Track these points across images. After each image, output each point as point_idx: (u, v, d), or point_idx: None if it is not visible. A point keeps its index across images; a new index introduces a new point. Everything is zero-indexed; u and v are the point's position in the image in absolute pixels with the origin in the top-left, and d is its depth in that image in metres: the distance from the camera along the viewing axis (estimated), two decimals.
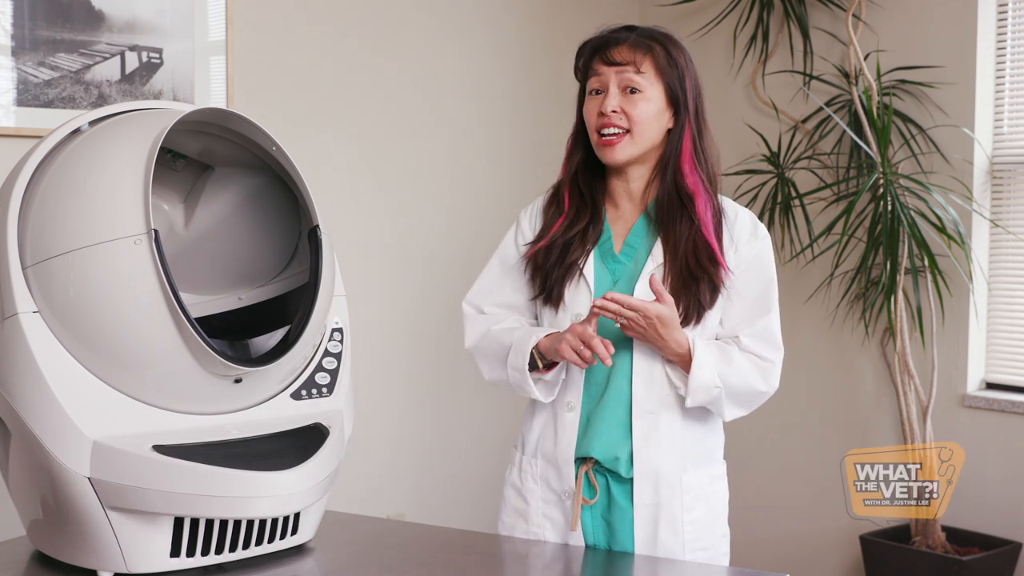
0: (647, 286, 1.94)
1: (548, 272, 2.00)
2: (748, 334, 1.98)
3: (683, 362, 1.93)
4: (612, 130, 1.94)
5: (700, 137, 1.99)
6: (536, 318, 2.08)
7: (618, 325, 1.89)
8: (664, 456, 1.96)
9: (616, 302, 1.85)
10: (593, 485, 1.98)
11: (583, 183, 2.02)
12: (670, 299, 1.88)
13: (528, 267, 2.05)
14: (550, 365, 1.97)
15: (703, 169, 1.99)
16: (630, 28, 2.00)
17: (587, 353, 1.87)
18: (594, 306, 1.86)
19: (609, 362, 1.88)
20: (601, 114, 1.95)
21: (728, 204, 2.02)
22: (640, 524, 1.96)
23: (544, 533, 2.02)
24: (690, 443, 1.99)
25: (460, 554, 1.89)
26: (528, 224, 2.09)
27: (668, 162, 1.98)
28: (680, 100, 1.97)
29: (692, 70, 1.99)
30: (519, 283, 2.07)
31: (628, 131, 1.94)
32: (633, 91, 1.95)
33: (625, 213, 2.03)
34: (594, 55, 1.98)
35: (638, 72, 1.95)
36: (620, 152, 1.95)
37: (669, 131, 1.99)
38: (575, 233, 2.00)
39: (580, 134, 2.04)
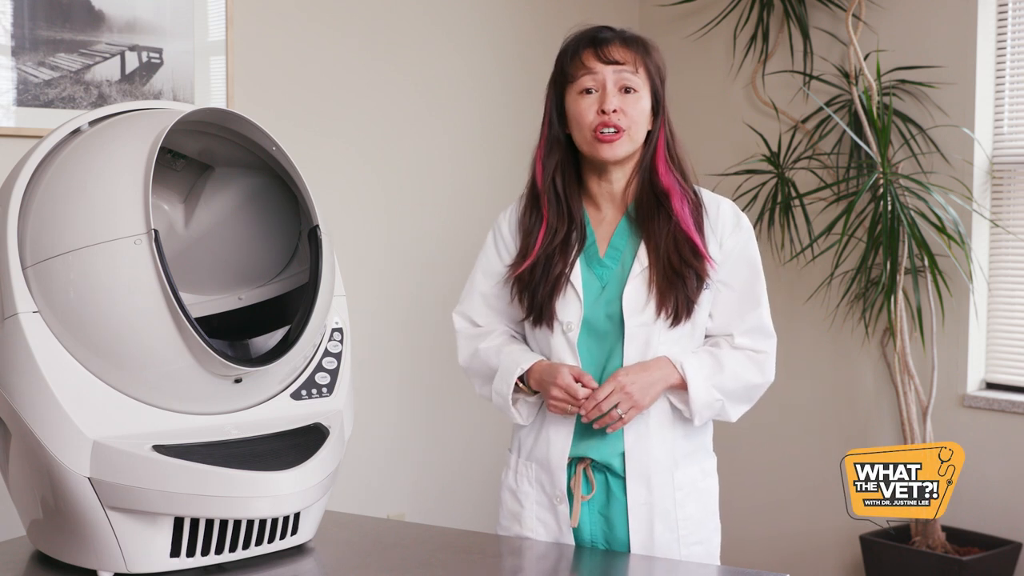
0: (636, 289, 1.95)
1: (535, 290, 1.99)
2: (742, 331, 2.00)
3: (680, 385, 1.96)
4: (612, 129, 1.94)
5: (671, 136, 2.01)
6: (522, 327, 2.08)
7: (619, 417, 1.91)
8: (656, 455, 1.97)
9: (594, 404, 1.90)
10: (590, 481, 1.98)
11: (560, 187, 2.01)
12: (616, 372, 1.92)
13: (514, 288, 2.03)
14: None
15: (676, 167, 2.00)
16: (609, 29, 1.99)
17: (573, 412, 1.93)
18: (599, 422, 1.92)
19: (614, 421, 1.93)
20: (602, 112, 1.94)
21: (708, 197, 2.02)
22: (635, 523, 1.97)
23: (537, 536, 2.02)
24: (681, 440, 2.00)
25: (460, 554, 1.89)
26: (509, 233, 2.07)
27: (643, 163, 1.99)
28: (660, 103, 1.99)
29: (666, 72, 2.02)
30: (505, 294, 2.06)
31: (625, 131, 1.94)
32: (628, 91, 1.95)
33: (607, 215, 2.02)
34: (586, 51, 1.96)
35: (635, 72, 1.95)
36: (619, 149, 1.94)
37: (648, 132, 2.00)
38: (557, 244, 1.99)
39: (554, 137, 2.02)
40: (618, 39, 1.96)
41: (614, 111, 1.93)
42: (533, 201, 2.04)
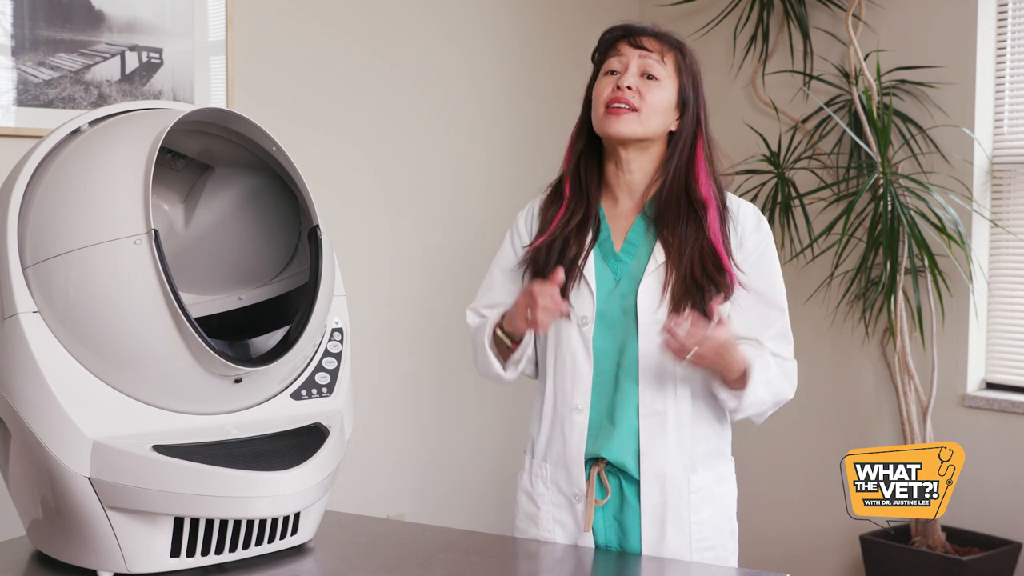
0: (651, 286, 1.94)
1: (547, 270, 1.99)
2: (769, 336, 1.98)
3: (736, 382, 1.92)
4: (622, 104, 1.94)
5: (711, 147, 2.01)
6: None
7: (688, 358, 1.85)
8: (671, 457, 1.95)
9: (687, 329, 1.82)
10: (605, 485, 1.98)
11: (582, 172, 2.02)
12: (728, 323, 1.87)
13: (528, 270, 2.03)
14: (519, 341, 1.99)
15: (715, 179, 2.00)
16: (650, 26, 2.03)
17: (534, 313, 1.85)
18: (667, 342, 1.84)
19: (552, 311, 1.86)
20: (617, 87, 1.95)
21: (731, 199, 2.02)
22: (647, 525, 1.96)
23: (555, 537, 2.01)
24: (699, 443, 1.98)
25: (460, 554, 1.89)
26: (525, 227, 2.08)
27: (673, 163, 1.98)
28: (689, 105, 1.98)
29: (703, 83, 2.02)
30: (520, 287, 2.06)
31: (636, 111, 1.95)
32: (651, 77, 1.96)
33: (624, 210, 2.02)
34: (619, 38, 2.00)
35: (661, 62, 1.97)
36: (624, 125, 1.94)
37: (671, 133, 1.99)
38: (572, 227, 1.99)
39: (585, 122, 2.03)
40: (652, 31, 2.00)
41: (628, 87, 1.94)
42: (558, 185, 2.06)
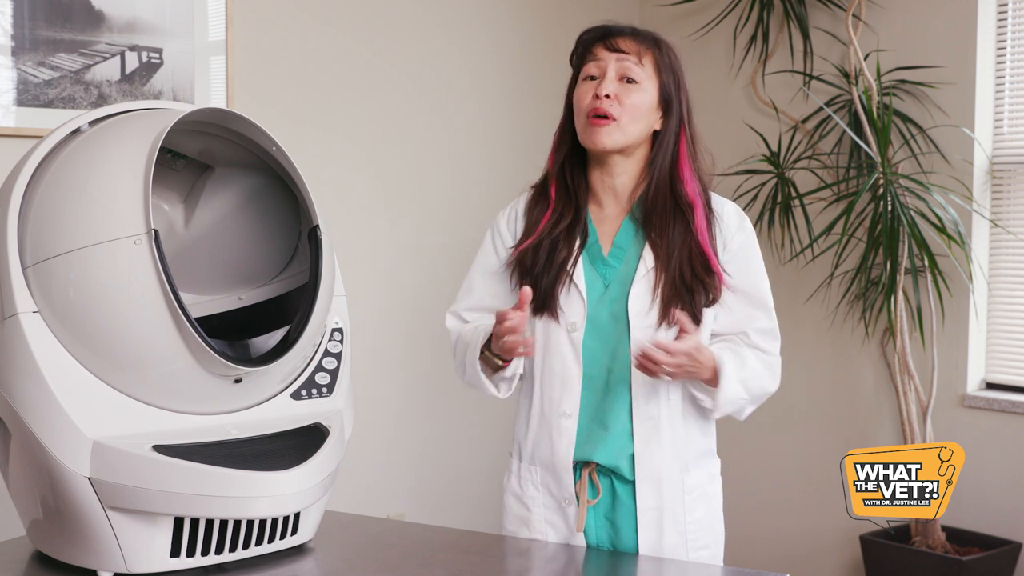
0: (641, 291, 1.94)
1: (537, 276, 1.97)
2: (753, 330, 1.99)
3: (710, 381, 1.93)
4: (603, 115, 1.93)
5: (694, 143, 2.00)
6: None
7: (665, 377, 1.86)
8: (666, 459, 1.96)
9: (663, 349, 1.82)
10: (596, 486, 1.98)
11: (568, 176, 2.01)
12: (693, 326, 1.88)
13: (515, 272, 2.02)
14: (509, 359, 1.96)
15: (699, 176, 1.99)
16: (627, 26, 2.00)
17: (519, 347, 1.86)
18: (641, 362, 1.83)
19: (529, 347, 1.87)
20: (596, 97, 1.93)
21: (714, 200, 2.02)
22: (644, 528, 1.96)
23: (547, 539, 2.01)
24: (691, 444, 1.99)
25: (460, 554, 1.89)
26: (508, 228, 2.07)
27: (658, 164, 1.97)
28: (672, 103, 1.97)
29: (684, 77, 2.00)
30: (502, 289, 2.05)
31: (616, 120, 1.93)
32: (630, 81, 1.94)
33: (611, 213, 2.01)
34: (597, 42, 1.98)
35: (639, 64, 1.95)
36: (607, 137, 1.93)
37: (656, 133, 1.99)
38: (560, 231, 1.98)
39: (568, 125, 2.02)
40: (629, 32, 1.97)
41: (607, 96, 1.92)
42: (543, 187, 2.04)
